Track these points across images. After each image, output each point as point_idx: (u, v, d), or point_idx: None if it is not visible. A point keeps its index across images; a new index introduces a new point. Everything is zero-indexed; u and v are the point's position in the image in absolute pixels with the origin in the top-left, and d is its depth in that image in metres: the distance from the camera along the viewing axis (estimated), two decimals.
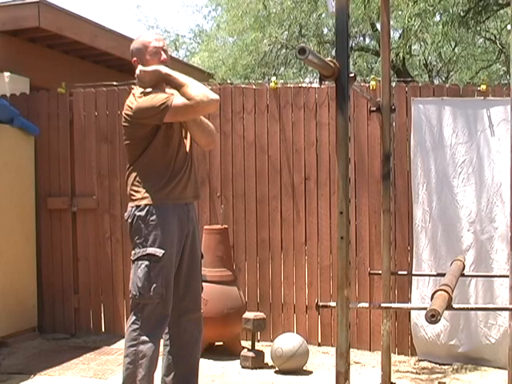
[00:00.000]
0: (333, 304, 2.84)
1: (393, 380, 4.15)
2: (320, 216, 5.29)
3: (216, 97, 3.39)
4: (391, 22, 5.91)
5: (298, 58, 2.34)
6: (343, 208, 2.57)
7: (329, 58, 2.55)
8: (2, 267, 5.34)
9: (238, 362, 4.81)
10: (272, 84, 5.41)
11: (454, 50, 13.32)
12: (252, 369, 4.71)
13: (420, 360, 4.91)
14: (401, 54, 10.14)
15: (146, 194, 3.42)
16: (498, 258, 4.69)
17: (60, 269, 5.79)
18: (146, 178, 3.45)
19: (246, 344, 5.02)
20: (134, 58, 3.52)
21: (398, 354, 5.02)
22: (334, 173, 4.86)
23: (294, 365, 4.65)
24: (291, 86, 5.54)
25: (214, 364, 4.82)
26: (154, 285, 3.35)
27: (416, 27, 8.97)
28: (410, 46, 11.05)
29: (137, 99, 3.42)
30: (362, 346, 5.15)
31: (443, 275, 3.47)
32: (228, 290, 4.97)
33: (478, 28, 9.96)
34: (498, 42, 12.24)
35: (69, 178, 5.80)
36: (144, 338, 3.36)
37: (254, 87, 5.51)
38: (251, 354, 4.78)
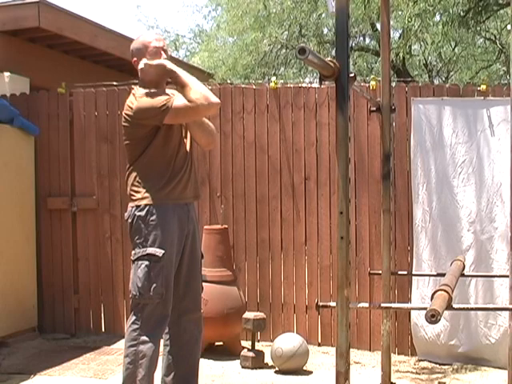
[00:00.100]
0: (333, 304, 2.84)
1: (393, 380, 4.15)
2: (320, 216, 5.29)
3: (217, 100, 3.39)
4: (391, 22, 5.90)
5: (298, 57, 2.34)
6: (343, 208, 2.57)
7: (329, 58, 2.56)
8: (2, 267, 5.34)
9: (237, 361, 4.81)
10: (272, 84, 5.41)
11: (454, 50, 13.33)
12: (252, 369, 4.71)
13: (420, 360, 4.91)
14: (401, 54, 10.14)
15: (146, 194, 3.42)
16: (498, 258, 4.69)
17: (60, 269, 5.79)
18: (146, 178, 3.45)
19: (246, 344, 5.02)
20: (134, 59, 3.51)
21: (398, 353, 5.02)
22: (334, 173, 4.86)
23: (293, 365, 4.65)
24: (291, 85, 5.54)
25: (214, 364, 4.82)
26: (154, 285, 3.35)
27: (416, 27, 8.97)
28: (410, 46, 11.05)
29: (137, 99, 3.42)
30: (362, 346, 5.15)
31: (443, 275, 3.47)
32: (228, 290, 4.97)
33: (478, 28, 9.96)
34: (497, 42, 12.25)
35: (69, 178, 5.80)
36: (144, 338, 3.36)
37: (254, 87, 5.51)
38: (251, 354, 4.78)
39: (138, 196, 3.43)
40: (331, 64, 2.53)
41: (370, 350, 5.11)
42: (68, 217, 5.79)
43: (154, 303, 3.37)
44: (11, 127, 5.51)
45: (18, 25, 6.11)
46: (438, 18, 9.41)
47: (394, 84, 5.28)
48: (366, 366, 4.83)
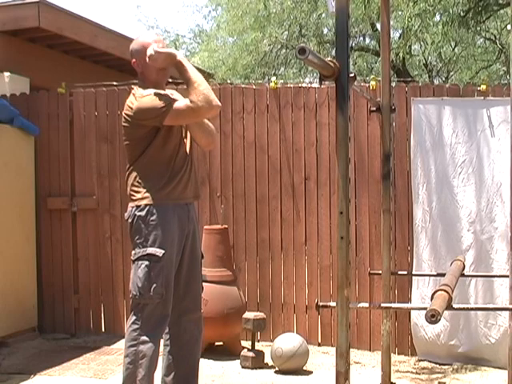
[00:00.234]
0: (333, 304, 2.84)
1: (393, 380, 4.15)
2: (320, 216, 5.29)
3: (218, 103, 3.39)
4: (391, 22, 5.90)
5: (298, 57, 2.34)
6: (343, 208, 2.57)
7: (329, 58, 2.55)
8: (2, 267, 5.34)
9: (237, 361, 4.81)
10: (272, 84, 5.41)
11: (454, 50, 13.34)
12: (252, 369, 4.71)
13: (420, 360, 4.91)
14: (401, 54, 10.14)
15: (147, 194, 3.42)
16: (498, 258, 4.69)
17: (60, 269, 5.79)
18: (146, 178, 3.44)
19: (246, 344, 5.02)
20: (134, 60, 3.51)
21: (398, 354, 5.02)
22: (334, 173, 4.86)
23: (293, 365, 4.65)
24: (291, 85, 5.54)
25: (214, 364, 4.82)
26: (154, 285, 3.35)
27: (416, 27, 8.98)
28: (409, 46, 11.06)
29: (137, 99, 3.41)
30: (362, 346, 5.15)
31: (443, 275, 3.47)
32: (228, 290, 4.97)
33: (478, 28, 9.97)
34: (498, 42, 12.26)
35: (69, 178, 5.80)
36: (144, 338, 3.36)
37: (254, 87, 5.51)
38: (251, 354, 4.78)
39: (138, 196, 3.43)
40: (331, 64, 2.53)
41: (370, 350, 5.12)
42: (68, 217, 5.79)
43: (154, 303, 3.37)
44: (11, 127, 5.51)
45: (18, 25, 6.11)
46: (438, 18, 9.42)
47: (394, 84, 5.28)
48: (365, 366, 4.83)
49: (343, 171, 2.56)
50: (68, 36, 6.47)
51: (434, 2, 8.35)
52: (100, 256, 5.74)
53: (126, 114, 3.46)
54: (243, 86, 5.63)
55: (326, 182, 5.27)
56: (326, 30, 12.77)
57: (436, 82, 14.50)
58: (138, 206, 3.42)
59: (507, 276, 3.64)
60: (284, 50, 12.70)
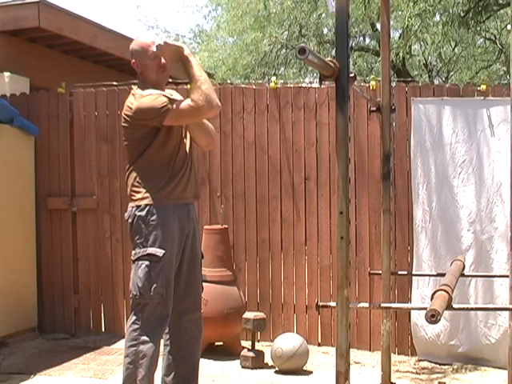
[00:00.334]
0: (333, 304, 2.84)
1: (393, 380, 4.15)
2: (320, 216, 5.29)
3: (218, 103, 3.39)
4: (391, 22, 5.90)
5: (298, 57, 2.33)
6: (343, 208, 2.56)
7: (329, 58, 2.55)
8: (2, 267, 5.34)
9: (237, 361, 4.81)
10: (272, 84, 5.41)
11: (454, 50, 13.35)
12: (252, 369, 4.71)
13: (420, 360, 4.91)
14: (401, 54, 10.14)
15: (147, 194, 3.41)
16: (498, 258, 4.69)
17: (60, 269, 5.79)
18: (146, 178, 3.44)
19: (246, 344, 5.02)
20: (133, 60, 3.51)
21: (398, 354, 5.02)
22: (334, 173, 4.86)
23: (294, 365, 4.65)
24: (291, 85, 5.54)
25: (214, 364, 4.82)
26: (155, 285, 3.35)
27: (416, 27, 8.98)
28: (409, 46, 11.06)
29: (137, 99, 3.41)
30: (362, 346, 5.15)
31: (443, 275, 3.47)
32: (228, 290, 4.97)
33: (478, 28, 9.97)
34: (498, 42, 12.26)
35: (69, 178, 5.80)
36: (144, 337, 3.35)
37: (254, 87, 5.51)
38: (251, 354, 4.78)
39: (139, 196, 3.43)
40: (331, 64, 2.52)
41: (370, 350, 5.11)
42: (68, 217, 5.78)
43: (154, 303, 3.37)
44: (11, 127, 5.51)
45: (18, 25, 6.11)
46: (438, 18, 9.42)
47: (394, 84, 5.28)
48: (365, 365, 4.83)
49: (343, 171, 2.56)
50: (68, 36, 6.47)
51: (434, 2, 8.35)
52: (100, 256, 5.74)
53: (125, 114, 3.46)
54: (243, 86, 5.63)
55: (326, 181, 5.27)
56: (326, 30, 12.78)
57: (436, 82, 14.51)
58: (138, 206, 3.41)
59: (507, 276, 3.64)
60: (284, 50, 12.71)
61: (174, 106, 3.33)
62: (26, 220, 5.68)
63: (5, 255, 5.38)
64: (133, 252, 3.44)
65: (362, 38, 13.44)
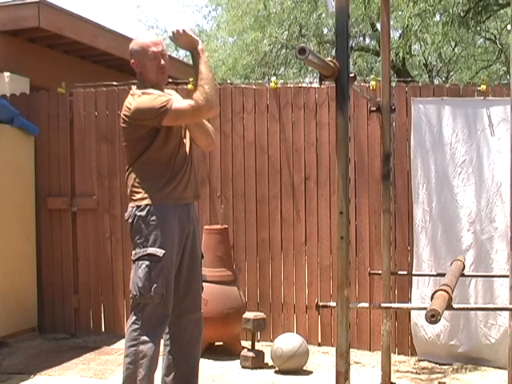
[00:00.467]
0: (333, 304, 2.84)
1: (393, 380, 4.15)
2: (320, 216, 5.29)
3: (217, 107, 3.42)
4: (391, 22, 5.90)
5: (298, 57, 2.34)
6: (343, 208, 2.56)
7: (329, 58, 2.55)
8: (2, 267, 5.34)
9: (237, 361, 4.81)
10: (272, 84, 5.41)
11: (454, 50, 13.35)
12: (252, 369, 4.71)
13: (420, 360, 4.91)
14: (401, 54, 10.15)
15: (147, 195, 3.41)
16: (498, 258, 4.69)
17: (60, 269, 5.79)
18: (146, 179, 3.44)
19: (246, 344, 5.02)
20: (133, 60, 3.50)
21: (398, 354, 5.02)
22: (334, 173, 4.86)
23: (294, 365, 4.65)
24: (291, 85, 5.54)
25: (214, 364, 4.82)
26: (155, 285, 3.35)
27: (416, 27, 8.98)
28: (409, 46, 11.06)
29: (135, 99, 3.41)
30: (362, 346, 5.15)
31: (443, 275, 3.47)
32: (228, 290, 4.97)
33: (478, 28, 9.97)
34: (498, 42, 12.27)
35: (69, 178, 5.80)
36: (144, 338, 3.35)
37: (254, 87, 5.51)
38: (251, 354, 4.78)
39: (139, 196, 3.43)
40: (331, 64, 2.52)
41: (370, 350, 5.11)
42: (68, 217, 5.78)
43: (154, 303, 3.37)
44: (11, 127, 5.51)
45: (18, 25, 6.11)
46: (438, 17, 9.42)
47: (394, 84, 5.28)
48: (365, 365, 4.83)
49: (343, 171, 2.56)
50: (68, 36, 6.46)
51: (433, 2, 8.35)
52: (100, 256, 5.74)
53: (124, 114, 3.45)
54: (243, 85, 5.63)
55: (326, 182, 5.27)
56: (326, 30, 12.79)
57: (436, 82, 14.51)
58: (138, 206, 3.41)
59: (507, 276, 3.64)
60: (284, 50, 12.72)
61: (173, 106, 3.33)
62: (25, 220, 5.68)
63: (5, 255, 5.38)
64: (133, 252, 3.44)
65: (362, 38, 13.46)
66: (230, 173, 5.48)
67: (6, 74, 6.00)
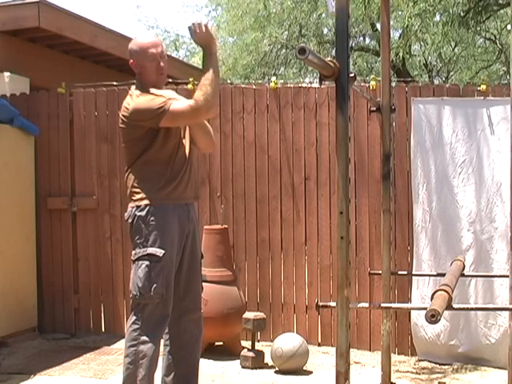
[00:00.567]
0: (333, 304, 2.84)
1: (393, 380, 4.15)
2: (320, 216, 5.29)
3: (216, 110, 3.42)
4: (391, 22, 5.90)
5: (298, 57, 2.33)
6: (343, 208, 2.56)
7: (329, 58, 2.55)
8: (2, 267, 5.34)
9: (237, 361, 4.81)
10: (272, 84, 5.41)
11: (454, 50, 13.34)
12: (252, 369, 4.71)
13: (420, 360, 4.91)
14: (401, 54, 10.15)
15: (147, 195, 3.41)
16: (498, 258, 4.69)
17: (60, 269, 5.79)
18: (146, 179, 3.44)
19: (246, 344, 5.02)
20: (132, 60, 3.50)
21: (398, 354, 5.02)
22: (334, 173, 4.86)
23: (294, 365, 4.65)
24: (291, 85, 5.54)
25: (214, 364, 4.82)
26: (155, 285, 3.35)
27: (416, 27, 8.99)
28: (409, 46, 11.06)
29: (133, 99, 3.40)
30: (362, 346, 5.14)
31: (443, 275, 3.47)
32: (228, 290, 4.97)
33: (478, 28, 9.97)
34: (498, 42, 12.27)
35: (69, 178, 5.80)
36: (144, 338, 3.35)
37: (254, 87, 5.51)
38: (251, 354, 4.78)
39: (138, 196, 3.43)
40: (331, 64, 2.52)
41: (370, 350, 5.11)
42: (68, 217, 5.78)
43: (154, 303, 3.37)
44: (11, 127, 5.50)
45: (18, 25, 6.11)
46: (438, 18, 9.42)
47: (394, 84, 5.28)
48: (365, 365, 4.83)
49: (343, 171, 2.56)
50: (68, 36, 6.46)
51: (434, 2, 8.35)
52: (100, 256, 5.74)
53: (122, 115, 3.45)
54: (243, 85, 5.63)
55: (326, 182, 5.27)
56: (326, 30, 12.79)
57: (436, 82, 14.51)
58: (138, 207, 3.41)
59: (507, 276, 3.64)
60: (284, 50, 12.71)
61: (171, 107, 3.32)
62: (26, 220, 5.68)
63: (5, 255, 5.38)
64: (133, 252, 3.44)
65: (362, 38, 13.46)
66: (230, 173, 5.48)
67: (6, 74, 6.00)
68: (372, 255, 5.13)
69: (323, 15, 11.93)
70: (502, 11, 9.69)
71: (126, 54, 3.55)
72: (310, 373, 4.69)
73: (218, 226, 5.17)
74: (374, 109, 4.08)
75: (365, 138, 5.17)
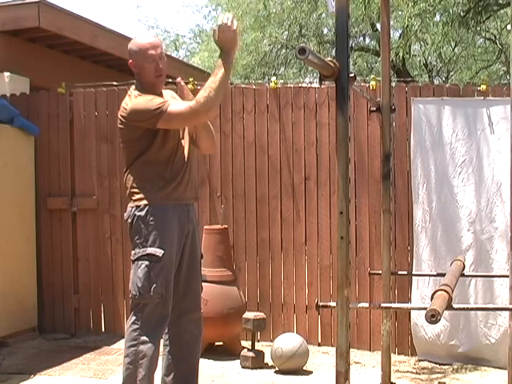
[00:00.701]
0: (333, 304, 2.84)
1: (393, 380, 4.15)
2: (320, 216, 5.29)
3: (215, 111, 3.44)
4: (391, 22, 5.90)
5: (298, 58, 2.33)
6: (343, 208, 2.56)
7: (329, 58, 2.55)
8: (2, 267, 5.34)
9: (237, 362, 4.81)
10: (272, 84, 5.41)
11: (453, 50, 13.34)
12: (252, 369, 4.71)
13: (420, 360, 4.91)
14: (401, 54, 10.14)
15: (146, 195, 3.41)
16: (498, 258, 4.68)
17: (60, 269, 5.79)
18: (146, 179, 3.44)
19: (246, 344, 5.02)
20: (131, 60, 3.49)
21: (398, 353, 5.02)
22: (334, 173, 4.86)
23: (294, 365, 4.65)
24: (291, 85, 5.54)
25: (214, 364, 4.82)
26: (154, 285, 3.35)
27: (416, 27, 8.98)
28: (409, 46, 11.06)
29: (132, 100, 3.40)
30: (362, 346, 5.14)
31: (443, 275, 3.47)
32: (228, 290, 4.97)
33: (478, 28, 9.97)
34: (497, 42, 12.26)
35: (69, 178, 5.80)
36: (144, 338, 3.35)
37: (254, 87, 5.51)
38: (251, 354, 4.78)
39: (138, 196, 3.43)
40: (331, 64, 2.52)
41: (370, 350, 5.11)
42: (68, 217, 5.78)
43: (154, 303, 3.37)
44: (11, 127, 5.51)
45: (18, 25, 6.11)
46: (438, 18, 9.42)
47: (394, 84, 5.28)
48: (365, 366, 4.83)
49: (343, 171, 2.56)
50: (68, 36, 6.47)
51: (434, 2, 8.35)
52: (100, 256, 5.74)
53: (120, 115, 3.44)
54: (243, 86, 5.63)
55: (326, 182, 5.27)
56: (326, 30, 12.78)
57: (436, 82, 14.51)
58: (137, 207, 3.41)
59: (507, 276, 3.64)
60: (284, 50, 12.71)
61: (169, 108, 3.31)
62: (26, 220, 5.68)
63: (5, 255, 5.38)
64: (132, 252, 3.44)
65: (362, 38, 13.45)
66: (230, 173, 5.48)
67: (6, 74, 6.00)
68: (372, 255, 5.13)
69: (323, 15, 11.92)
70: (502, 11, 9.69)
71: (126, 54, 3.54)
72: (310, 373, 4.69)
73: (218, 226, 5.17)
74: (374, 109, 4.08)
75: (365, 138, 5.17)
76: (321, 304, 3.07)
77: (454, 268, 3.47)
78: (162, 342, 3.49)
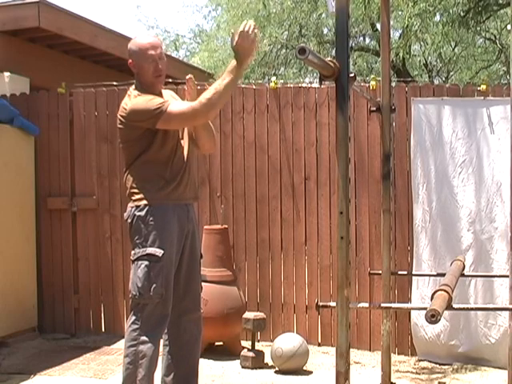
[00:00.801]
0: (333, 304, 2.84)
1: (393, 380, 4.15)
2: (320, 216, 5.29)
3: (215, 113, 3.44)
4: (391, 22, 5.91)
5: (298, 58, 2.34)
6: (343, 208, 2.56)
7: (329, 58, 2.55)
8: (2, 267, 5.34)
9: (237, 362, 4.81)
10: (272, 84, 5.41)
11: (453, 50, 13.34)
12: (252, 369, 4.71)
13: (420, 360, 4.91)
14: (401, 54, 10.14)
15: (146, 195, 3.41)
16: (498, 258, 4.69)
17: (60, 269, 5.79)
18: (146, 179, 3.44)
19: (246, 344, 5.02)
20: (130, 60, 3.49)
21: (398, 354, 5.02)
22: (334, 173, 4.86)
23: (294, 365, 4.65)
24: (291, 85, 5.54)
25: (214, 364, 4.82)
26: (154, 285, 3.35)
27: (416, 27, 8.97)
28: (409, 46, 11.05)
29: (131, 100, 3.40)
30: (362, 346, 5.15)
31: (443, 275, 3.47)
32: (228, 290, 4.97)
33: (478, 28, 9.97)
34: (497, 42, 12.26)
35: (69, 178, 5.80)
36: (144, 338, 3.35)
37: (254, 87, 5.51)
38: (251, 354, 4.78)
39: (138, 196, 3.43)
40: (331, 64, 2.53)
41: (370, 350, 5.11)
42: (68, 217, 5.78)
43: (153, 303, 3.37)
44: (11, 127, 5.51)
45: (18, 25, 6.11)
46: (438, 17, 9.42)
47: (394, 84, 5.28)
48: (365, 366, 4.83)
49: (343, 171, 2.56)
50: (68, 36, 6.47)
51: (434, 2, 8.34)
52: (100, 256, 5.74)
53: (120, 115, 3.44)
54: (243, 86, 5.62)
55: (326, 182, 5.27)
56: (326, 30, 12.78)
57: (436, 82, 14.51)
58: (137, 207, 3.41)
59: (507, 276, 3.64)
60: (284, 50, 12.70)
61: (169, 108, 3.31)
62: (26, 220, 5.68)
63: (5, 255, 5.38)
64: (132, 252, 3.44)
65: (362, 38, 13.45)
66: (230, 173, 5.48)
67: (6, 74, 6.00)
68: (372, 255, 5.13)
69: (323, 15, 11.92)
70: (502, 11, 9.69)
71: (126, 53, 3.54)
72: (310, 373, 4.69)
73: (218, 226, 5.17)
74: (374, 109, 4.09)
75: (365, 138, 5.17)
76: (321, 304, 3.07)
77: (454, 268, 3.47)
78: (161, 341, 3.49)
